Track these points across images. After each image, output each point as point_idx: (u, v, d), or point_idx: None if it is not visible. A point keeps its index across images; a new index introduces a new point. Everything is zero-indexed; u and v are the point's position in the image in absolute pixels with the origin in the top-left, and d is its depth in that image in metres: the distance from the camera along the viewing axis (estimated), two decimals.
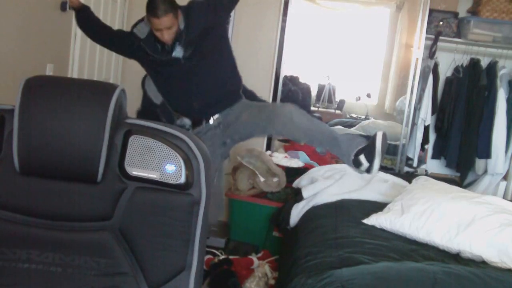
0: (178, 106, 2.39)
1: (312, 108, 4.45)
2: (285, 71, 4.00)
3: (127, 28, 3.87)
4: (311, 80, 4.50)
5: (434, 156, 4.08)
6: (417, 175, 2.97)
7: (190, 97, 2.32)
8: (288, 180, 3.08)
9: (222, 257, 2.59)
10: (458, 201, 2.05)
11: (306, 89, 4.44)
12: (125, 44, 2.36)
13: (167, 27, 2.17)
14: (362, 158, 2.03)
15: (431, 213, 1.98)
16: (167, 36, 2.19)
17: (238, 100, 2.39)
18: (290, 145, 3.64)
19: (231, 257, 2.59)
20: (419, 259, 1.78)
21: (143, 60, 2.37)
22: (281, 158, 3.29)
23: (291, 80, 4.30)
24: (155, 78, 2.41)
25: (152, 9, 2.16)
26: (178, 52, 2.27)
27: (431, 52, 3.75)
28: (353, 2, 4.42)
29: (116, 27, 3.63)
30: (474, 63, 3.80)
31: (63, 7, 2.76)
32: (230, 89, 2.39)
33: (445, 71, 3.95)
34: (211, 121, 2.36)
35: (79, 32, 2.99)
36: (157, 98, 2.43)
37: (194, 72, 2.28)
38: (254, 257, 2.59)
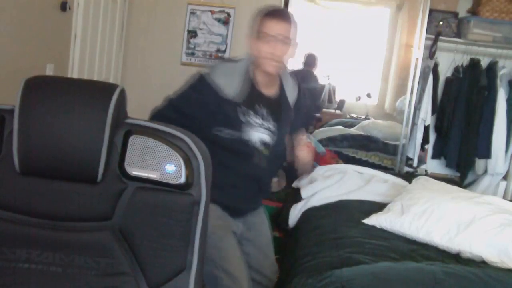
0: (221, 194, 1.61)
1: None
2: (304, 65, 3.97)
3: (127, 28, 3.88)
4: None
5: (434, 156, 4.08)
6: (417, 175, 2.97)
7: (241, 196, 1.79)
8: (288, 180, 3.07)
9: None
10: (458, 201, 2.05)
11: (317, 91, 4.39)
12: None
13: (285, 37, 1.66)
14: None
15: (431, 213, 1.98)
16: (279, 52, 1.65)
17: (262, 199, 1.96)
18: None
19: None
20: (419, 259, 1.78)
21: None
22: None
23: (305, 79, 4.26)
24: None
25: (272, 11, 1.69)
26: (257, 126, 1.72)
27: (431, 52, 3.75)
28: (353, 2, 4.42)
29: (116, 27, 3.64)
30: (474, 63, 3.80)
31: (63, 7, 2.77)
32: (268, 188, 1.95)
33: (445, 71, 3.95)
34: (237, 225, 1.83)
35: (79, 32, 3.00)
36: (230, 87, 1.68)
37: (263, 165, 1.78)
38: None
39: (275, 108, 1.76)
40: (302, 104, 1.87)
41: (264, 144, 1.74)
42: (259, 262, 1.86)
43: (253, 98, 1.71)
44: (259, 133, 1.72)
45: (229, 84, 1.67)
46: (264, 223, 1.94)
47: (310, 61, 4.25)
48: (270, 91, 1.76)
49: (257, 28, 1.67)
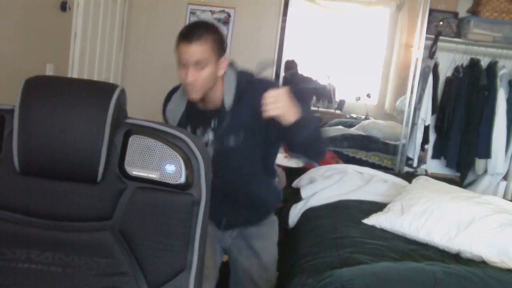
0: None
1: (312, 108, 4.45)
2: (284, 71, 4.00)
3: (127, 28, 3.89)
4: None
5: (434, 156, 4.08)
6: (417, 175, 2.97)
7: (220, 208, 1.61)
8: (288, 180, 3.07)
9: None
10: (458, 201, 2.05)
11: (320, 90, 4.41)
12: None
13: (197, 60, 1.51)
14: None
15: (431, 213, 1.98)
16: (193, 78, 1.51)
17: (269, 214, 1.85)
18: None
19: None
20: (419, 259, 1.78)
21: None
22: (281, 158, 3.28)
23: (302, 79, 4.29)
24: None
25: (181, 33, 1.53)
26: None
27: (431, 52, 3.75)
28: (353, 2, 4.42)
29: (116, 27, 3.65)
30: (474, 63, 3.80)
31: (63, 7, 2.77)
32: (267, 203, 1.83)
33: (445, 71, 3.95)
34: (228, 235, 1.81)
35: (79, 32, 3.00)
36: (174, 117, 1.70)
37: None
38: None
39: (216, 118, 1.63)
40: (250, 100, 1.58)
41: (219, 155, 1.61)
42: (256, 271, 1.82)
43: (197, 118, 1.65)
44: (212, 148, 1.63)
45: (174, 115, 1.67)
46: (264, 249, 1.84)
47: (290, 66, 4.29)
48: (213, 104, 1.63)
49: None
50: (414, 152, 3.87)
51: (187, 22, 3.94)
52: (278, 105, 1.45)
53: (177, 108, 1.68)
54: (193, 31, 1.50)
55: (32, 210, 0.99)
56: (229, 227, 1.79)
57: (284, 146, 1.83)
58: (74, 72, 3.02)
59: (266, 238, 1.85)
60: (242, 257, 1.83)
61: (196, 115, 1.65)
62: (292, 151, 1.68)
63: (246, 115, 1.58)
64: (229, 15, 3.89)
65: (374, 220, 2.10)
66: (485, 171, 3.80)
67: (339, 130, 4.32)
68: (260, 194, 1.77)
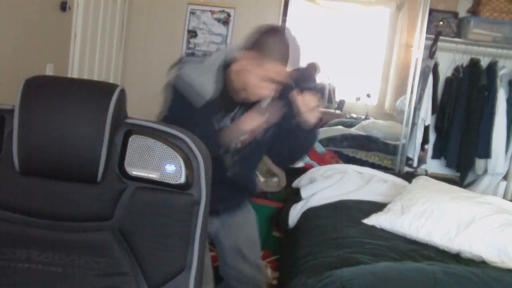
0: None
1: None
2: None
3: (127, 28, 3.89)
4: None
5: (434, 156, 4.08)
6: (417, 175, 2.97)
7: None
8: (288, 180, 3.07)
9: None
10: (458, 201, 2.05)
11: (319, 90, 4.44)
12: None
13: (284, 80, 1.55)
14: None
15: (431, 213, 1.98)
16: (273, 91, 1.56)
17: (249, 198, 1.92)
18: None
19: None
20: (419, 259, 1.78)
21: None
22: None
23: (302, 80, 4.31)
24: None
25: (282, 53, 1.51)
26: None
27: (431, 52, 3.75)
28: (353, 2, 4.42)
29: (116, 27, 3.65)
30: (474, 63, 3.80)
31: (63, 7, 2.77)
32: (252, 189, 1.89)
33: (445, 71, 3.95)
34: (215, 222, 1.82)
35: (79, 32, 3.00)
36: (205, 86, 1.56)
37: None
38: None
39: (246, 110, 1.62)
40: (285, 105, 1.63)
41: (236, 148, 1.64)
42: (243, 243, 1.87)
43: (225, 101, 1.60)
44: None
45: (198, 89, 1.55)
46: (246, 222, 1.90)
47: (311, 67, 4.31)
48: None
49: (259, 62, 1.52)
50: (414, 152, 3.87)
51: (187, 22, 3.94)
52: (316, 114, 1.60)
53: (208, 85, 1.55)
54: (295, 55, 1.52)
55: (32, 210, 0.99)
56: (224, 212, 1.83)
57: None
58: (74, 72, 3.02)
59: (246, 212, 1.91)
60: (228, 233, 1.85)
61: (222, 99, 1.59)
62: (274, 149, 1.73)
63: (279, 113, 1.61)
64: (229, 15, 3.89)
65: (374, 220, 2.10)
66: (485, 171, 3.80)
67: (339, 130, 4.31)
68: (253, 181, 1.87)
